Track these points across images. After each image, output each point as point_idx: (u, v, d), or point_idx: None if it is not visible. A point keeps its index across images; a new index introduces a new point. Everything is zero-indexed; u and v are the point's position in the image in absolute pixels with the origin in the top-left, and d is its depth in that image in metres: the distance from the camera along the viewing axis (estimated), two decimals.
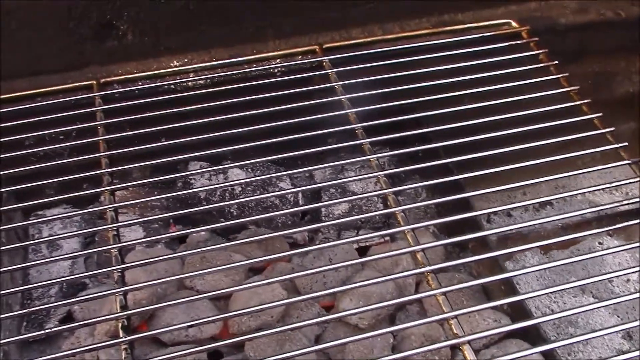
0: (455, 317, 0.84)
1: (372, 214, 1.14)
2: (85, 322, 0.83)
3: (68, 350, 0.83)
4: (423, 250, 0.91)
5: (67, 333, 1.09)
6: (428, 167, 1.04)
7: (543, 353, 1.01)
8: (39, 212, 1.19)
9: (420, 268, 0.89)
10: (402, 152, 1.06)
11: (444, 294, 0.86)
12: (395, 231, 0.94)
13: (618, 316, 1.33)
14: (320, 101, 1.11)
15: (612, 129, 1.09)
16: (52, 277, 1.13)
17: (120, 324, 0.83)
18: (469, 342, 0.82)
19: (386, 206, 1.03)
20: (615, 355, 1.04)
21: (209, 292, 1.07)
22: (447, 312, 0.84)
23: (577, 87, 1.16)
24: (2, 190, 0.99)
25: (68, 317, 1.08)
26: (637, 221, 1.02)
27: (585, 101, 1.14)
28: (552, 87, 1.16)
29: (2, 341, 0.79)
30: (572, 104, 1.14)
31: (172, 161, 1.03)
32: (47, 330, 0.81)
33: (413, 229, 0.93)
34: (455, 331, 0.83)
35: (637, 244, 0.98)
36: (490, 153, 1.04)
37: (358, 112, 1.09)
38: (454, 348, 1.04)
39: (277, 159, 1.07)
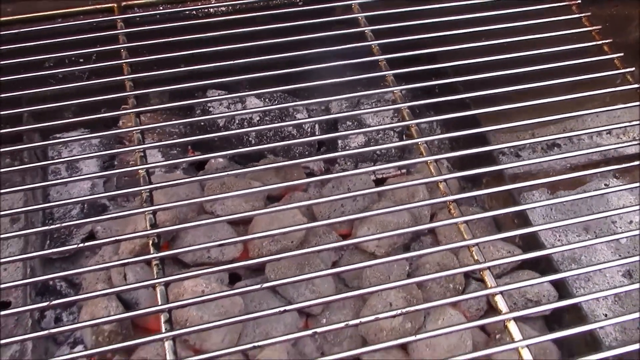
0: (477, 244, 0.86)
1: (392, 144, 1.15)
2: (116, 238, 0.85)
3: (100, 264, 0.85)
4: (445, 180, 0.93)
5: (89, 253, 1.12)
6: (446, 102, 1.05)
7: (555, 283, 1.05)
8: (58, 135, 1.20)
9: (443, 197, 0.91)
10: (421, 86, 1.06)
11: (466, 222, 0.89)
12: (418, 161, 0.96)
13: (620, 255, 1.37)
14: (343, 32, 1.11)
15: (632, 69, 1.10)
16: (72, 196, 1.15)
17: (151, 241, 0.85)
18: (489, 268, 0.85)
19: (402, 140, 1.05)
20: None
21: (231, 212, 1.10)
22: (468, 239, 0.87)
23: (599, 27, 1.16)
24: (24, 109, 0.99)
25: (90, 237, 1.10)
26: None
27: (607, 41, 1.14)
28: (573, 27, 1.16)
29: (31, 254, 0.81)
30: (593, 43, 1.14)
31: (195, 87, 1.03)
32: (79, 245, 0.83)
33: (436, 160, 0.95)
34: (476, 257, 0.85)
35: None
36: (507, 89, 1.05)
37: (381, 45, 1.09)
38: (468, 277, 1.08)
39: (294, 88, 1.06)
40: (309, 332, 0.80)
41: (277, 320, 0.99)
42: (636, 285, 0.91)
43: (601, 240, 0.93)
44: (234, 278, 1.07)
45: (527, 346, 0.78)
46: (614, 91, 1.09)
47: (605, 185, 1.50)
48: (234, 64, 1.05)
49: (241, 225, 1.11)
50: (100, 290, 0.81)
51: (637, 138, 1.54)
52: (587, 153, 1.32)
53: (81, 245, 0.83)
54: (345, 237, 1.14)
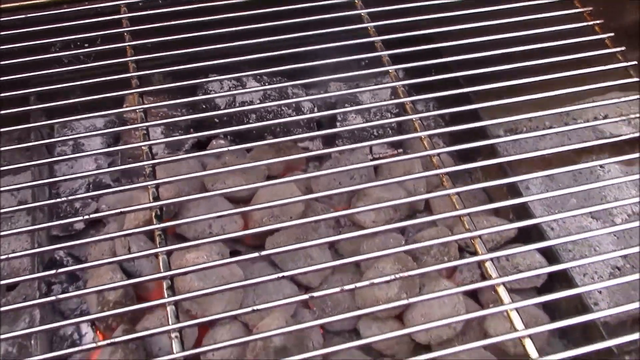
0: (468, 214, 0.89)
1: (388, 120, 1.18)
2: (121, 210, 0.88)
3: (105, 235, 0.88)
4: (439, 154, 0.96)
5: (94, 232, 1.15)
6: (442, 82, 1.08)
7: (547, 257, 1.08)
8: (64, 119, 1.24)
9: (436, 170, 0.94)
10: (417, 65, 1.08)
11: (458, 193, 0.92)
12: (412, 136, 0.99)
13: (615, 235, 1.39)
14: (339, 14, 1.14)
15: (623, 48, 1.13)
16: (77, 186, 1.19)
17: (153, 213, 0.88)
18: (480, 236, 0.88)
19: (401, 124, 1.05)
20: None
21: (232, 195, 1.13)
22: (460, 209, 0.90)
23: (591, 9, 1.18)
24: (30, 90, 1.03)
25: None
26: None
27: (598, 22, 1.17)
28: (565, 8, 1.19)
29: (36, 227, 0.84)
30: (585, 24, 1.17)
31: (196, 68, 1.06)
32: (85, 217, 0.86)
33: (429, 135, 0.98)
34: (467, 227, 0.88)
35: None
36: (499, 68, 1.08)
37: (377, 26, 1.12)
38: (462, 251, 1.10)
39: (292, 69, 1.08)
40: (306, 296, 0.83)
41: (277, 293, 1.02)
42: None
43: (590, 210, 0.95)
44: (234, 255, 1.10)
45: (517, 309, 0.81)
46: (603, 69, 1.11)
47: (601, 166, 1.52)
48: (234, 46, 1.08)
49: (241, 204, 1.14)
50: (105, 259, 0.84)
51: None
52: (585, 126, 1.33)
53: (87, 217, 0.86)
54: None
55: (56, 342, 1.00)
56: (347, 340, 1.04)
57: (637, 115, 1.08)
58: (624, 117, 1.09)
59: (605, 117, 1.61)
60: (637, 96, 1.11)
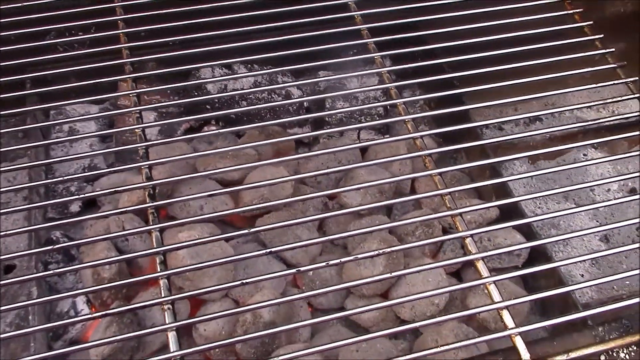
0: (449, 193, 0.93)
1: (374, 104, 1.21)
2: (115, 189, 0.91)
3: (100, 213, 0.91)
4: (422, 137, 0.99)
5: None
6: (426, 68, 1.11)
7: (528, 237, 1.12)
8: (59, 106, 1.27)
9: (419, 152, 0.97)
10: (403, 52, 1.12)
11: (440, 174, 0.95)
12: (396, 120, 1.02)
13: (597, 221, 1.43)
14: (325, 4, 1.17)
15: (612, 50, 1.16)
16: (73, 166, 1.22)
17: (147, 193, 0.91)
18: (460, 214, 0.91)
19: (385, 109, 1.07)
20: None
21: (223, 178, 1.16)
22: (441, 189, 0.93)
23: (581, 10, 1.22)
24: (26, 76, 1.06)
25: (90, 201, 1.17)
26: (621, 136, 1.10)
27: (587, 23, 1.20)
28: (556, 10, 1.22)
29: (33, 205, 0.86)
30: (574, 25, 1.20)
31: (189, 54, 1.09)
32: (81, 196, 0.89)
33: (413, 119, 1.02)
34: (449, 205, 0.92)
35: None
36: (482, 55, 1.11)
37: (364, 15, 1.15)
38: (446, 232, 1.14)
39: (280, 55, 1.11)
40: (293, 270, 0.86)
41: (266, 271, 1.05)
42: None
43: (568, 189, 0.99)
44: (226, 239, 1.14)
45: (495, 283, 0.84)
46: (594, 70, 1.14)
47: (584, 155, 1.56)
48: (225, 34, 1.11)
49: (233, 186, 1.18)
50: (99, 236, 0.87)
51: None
52: (571, 127, 1.36)
53: (82, 195, 0.89)
54: (331, 199, 1.20)
55: (53, 319, 1.03)
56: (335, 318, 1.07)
57: (615, 99, 1.12)
58: (600, 102, 1.12)
59: (589, 109, 1.65)
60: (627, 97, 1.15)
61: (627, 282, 1.35)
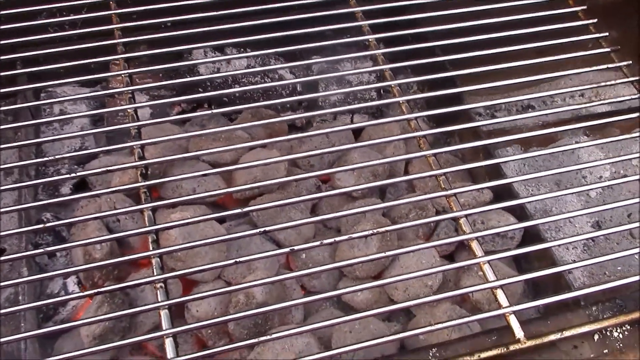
0: (444, 174, 0.93)
1: (368, 86, 1.21)
2: (108, 168, 0.90)
3: (94, 191, 0.90)
4: (416, 118, 0.99)
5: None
6: (420, 50, 1.11)
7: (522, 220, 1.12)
8: (50, 90, 1.25)
9: (414, 133, 0.97)
10: (397, 35, 1.11)
11: (434, 155, 0.95)
12: (390, 101, 1.02)
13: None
14: None
15: (606, 34, 1.16)
16: (64, 149, 1.21)
17: (139, 172, 0.90)
18: (455, 194, 0.91)
19: (379, 91, 1.06)
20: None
21: (215, 161, 1.15)
22: (436, 170, 0.93)
23: None
24: (16, 55, 1.04)
25: (81, 184, 1.16)
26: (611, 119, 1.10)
27: (581, 8, 1.20)
28: None
29: (23, 184, 0.85)
30: (568, 10, 1.20)
31: (181, 35, 1.08)
32: (78, 174, 0.88)
33: (407, 101, 1.01)
34: (443, 186, 0.92)
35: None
36: (482, 54, 1.10)
37: None
38: (439, 212, 1.14)
39: (274, 37, 1.11)
40: (286, 249, 0.86)
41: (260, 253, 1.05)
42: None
43: (561, 170, 0.99)
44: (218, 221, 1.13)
45: (489, 262, 0.84)
46: (587, 55, 1.14)
47: (576, 142, 1.57)
48: (218, 15, 1.10)
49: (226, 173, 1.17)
50: (91, 214, 0.87)
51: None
52: (563, 110, 1.36)
53: (74, 175, 0.89)
54: (325, 182, 1.20)
55: (43, 300, 1.02)
56: (328, 300, 1.07)
57: (607, 82, 1.12)
58: (594, 85, 1.12)
59: (581, 95, 1.65)
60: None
61: (619, 268, 1.36)
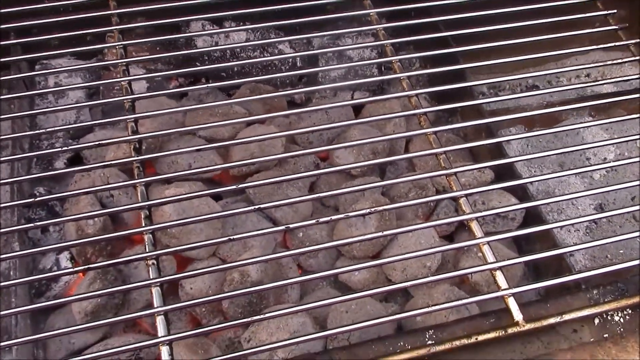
0: (445, 152, 0.90)
1: (369, 61, 1.18)
2: (100, 142, 0.88)
3: (84, 166, 0.88)
4: (417, 95, 0.97)
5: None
6: (422, 25, 1.08)
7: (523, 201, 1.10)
8: (44, 62, 1.23)
9: (414, 110, 0.95)
10: (399, 9, 1.08)
11: (435, 133, 0.92)
12: (392, 77, 0.99)
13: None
14: None
15: (614, 11, 1.13)
16: (58, 123, 1.18)
17: (132, 147, 0.88)
18: (455, 174, 0.89)
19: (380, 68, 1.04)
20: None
21: (212, 137, 1.13)
22: (437, 148, 0.91)
23: None
24: (9, 25, 1.02)
25: (76, 158, 1.14)
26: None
27: None
28: None
29: (16, 156, 0.83)
30: None
31: (178, 6, 1.06)
32: (68, 147, 0.86)
33: (408, 77, 0.99)
34: (444, 165, 0.89)
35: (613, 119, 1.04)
36: (486, 29, 1.07)
37: None
38: (439, 192, 1.12)
39: (272, 10, 1.08)
40: (283, 227, 0.84)
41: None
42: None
43: (563, 151, 0.97)
44: (214, 198, 1.11)
45: (489, 243, 0.82)
46: (594, 32, 1.11)
47: (581, 123, 1.54)
48: None
49: (223, 150, 1.15)
50: (84, 189, 0.85)
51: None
52: (567, 89, 1.34)
53: (68, 147, 0.87)
54: (323, 159, 1.18)
55: (35, 275, 1.00)
56: (325, 279, 1.05)
57: (613, 61, 1.09)
58: (600, 63, 1.09)
59: (587, 75, 1.62)
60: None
61: (622, 251, 1.34)
